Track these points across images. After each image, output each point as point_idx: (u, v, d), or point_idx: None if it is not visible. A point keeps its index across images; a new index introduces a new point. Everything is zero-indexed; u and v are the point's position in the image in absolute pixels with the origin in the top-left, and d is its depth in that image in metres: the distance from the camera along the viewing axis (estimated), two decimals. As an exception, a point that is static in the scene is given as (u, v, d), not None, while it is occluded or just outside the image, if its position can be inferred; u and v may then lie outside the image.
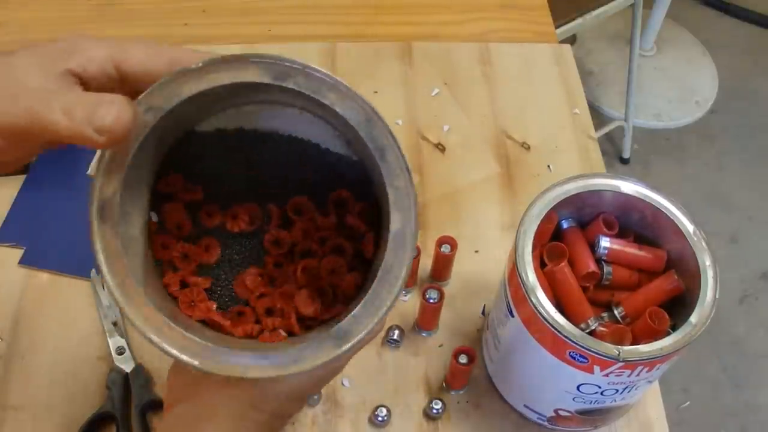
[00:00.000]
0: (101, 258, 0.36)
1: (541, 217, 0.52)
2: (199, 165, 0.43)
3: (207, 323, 0.42)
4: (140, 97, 0.36)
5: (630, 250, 0.54)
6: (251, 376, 0.35)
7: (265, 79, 0.37)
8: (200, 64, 0.36)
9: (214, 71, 0.36)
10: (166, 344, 0.36)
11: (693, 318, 0.48)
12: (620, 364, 0.47)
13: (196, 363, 0.36)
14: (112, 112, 0.33)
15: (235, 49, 0.91)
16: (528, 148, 0.77)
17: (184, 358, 0.36)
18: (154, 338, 0.36)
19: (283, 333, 0.41)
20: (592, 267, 0.53)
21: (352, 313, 0.36)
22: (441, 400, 0.59)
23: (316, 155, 0.44)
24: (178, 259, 0.43)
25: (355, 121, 0.37)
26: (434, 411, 0.59)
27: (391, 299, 0.36)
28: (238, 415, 0.39)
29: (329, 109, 0.37)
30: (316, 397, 0.60)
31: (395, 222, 0.37)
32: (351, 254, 0.43)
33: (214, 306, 0.43)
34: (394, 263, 0.37)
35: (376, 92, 0.81)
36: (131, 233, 0.39)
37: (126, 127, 0.33)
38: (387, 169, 0.37)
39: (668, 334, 0.48)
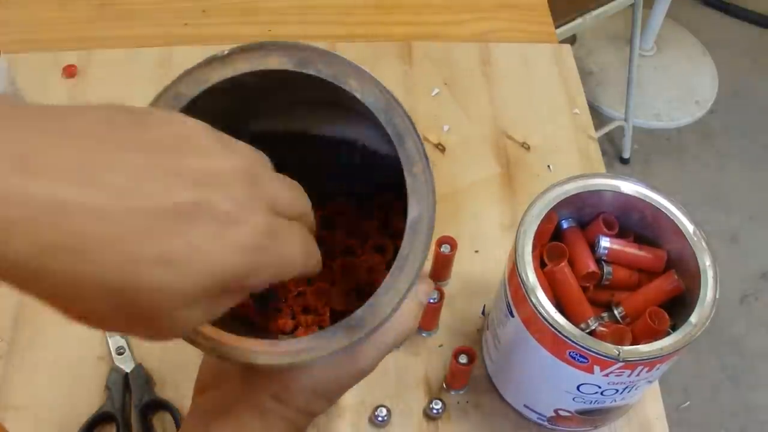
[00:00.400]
0: None
1: (541, 217, 0.52)
2: None
3: (239, 318, 0.42)
4: (168, 84, 0.36)
5: (630, 250, 0.54)
6: (260, 363, 0.35)
7: (288, 66, 0.36)
8: (225, 52, 0.36)
9: (238, 60, 0.36)
10: None
11: (693, 318, 0.48)
12: (620, 364, 0.47)
13: (207, 347, 0.35)
14: None
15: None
16: (528, 148, 0.77)
17: (197, 340, 0.35)
18: None
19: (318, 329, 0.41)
20: (592, 267, 0.53)
21: (367, 302, 0.35)
22: (441, 400, 0.59)
23: (364, 155, 0.44)
24: None
25: (375, 107, 0.37)
26: (434, 411, 0.59)
27: (406, 288, 0.35)
28: (262, 408, 0.39)
29: (358, 101, 0.37)
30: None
31: (413, 210, 0.36)
32: (392, 253, 0.43)
33: (251, 302, 0.42)
34: (410, 252, 0.36)
35: (376, 92, 0.81)
36: None
37: None
38: (405, 155, 0.37)
39: (668, 334, 0.48)
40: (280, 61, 0.36)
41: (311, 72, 0.36)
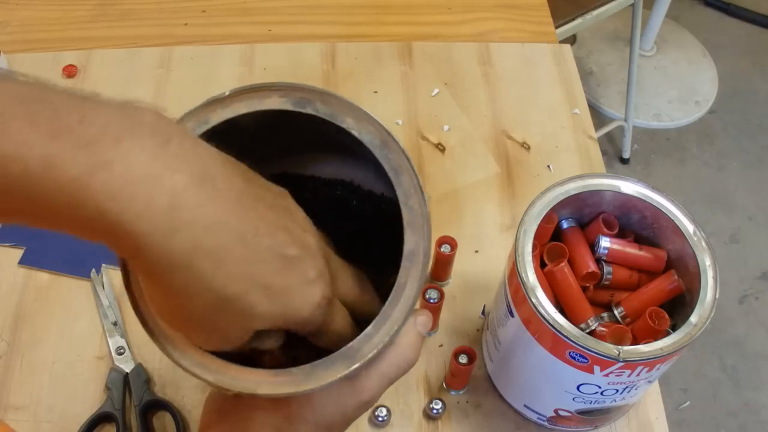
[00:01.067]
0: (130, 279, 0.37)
1: (541, 217, 0.52)
2: None
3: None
4: None
5: (630, 250, 0.54)
6: (262, 393, 0.35)
7: (287, 106, 0.38)
8: (226, 93, 0.37)
9: (238, 100, 0.38)
10: (183, 360, 0.36)
11: (693, 318, 0.48)
12: (620, 364, 0.47)
13: (210, 378, 0.36)
14: None
15: (235, 49, 0.91)
16: (528, 148, 0.77)
17: (199, 373, 0.36)
18: (172, 354, 0.36)
19: None
20: (592, 267, 0.53)
21: (364, 332, 0.36)
22: (441, 400, 0.59)
23: (359, 195, 0.46)
24: None
25: (372, 143, 0.38)
26: (434, 411, 0.59)
27: (402, 317, 0.36)
28: None
29: (354, 140, 0.38)
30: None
31: (409, 241, 0.37)
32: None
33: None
34: (407, 282, 0.37)
35: (376, 92, 0.81)
36: None
37: None
38: (401, 189, 0.38)
39: (668, 334, 0.48)
40: (279, 102, 0.38)
41: (309, 111, 0.38)
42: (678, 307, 0.52)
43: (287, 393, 0.35)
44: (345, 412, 0.40)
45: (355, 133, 0.38)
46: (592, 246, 0.55)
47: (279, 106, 0.38)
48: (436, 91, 0.81)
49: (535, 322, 0.49)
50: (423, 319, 0.41)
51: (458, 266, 0.66)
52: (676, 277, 0.53)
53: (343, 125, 0.38)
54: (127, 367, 0.60)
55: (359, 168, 0.45)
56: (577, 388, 0.51)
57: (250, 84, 0.38)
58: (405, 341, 0.40)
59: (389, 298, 0.37)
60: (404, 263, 0.37)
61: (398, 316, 0.36)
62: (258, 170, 0.45)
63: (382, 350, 0.36)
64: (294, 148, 0.45)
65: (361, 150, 0.39)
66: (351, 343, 0.36)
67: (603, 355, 0.46)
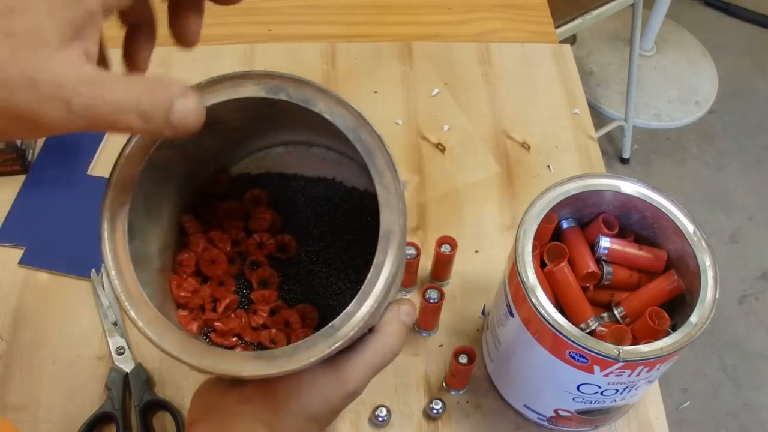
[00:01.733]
0: (110, 263, 0.38)
1: (541, 217, 0.52)
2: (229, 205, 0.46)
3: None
4: None
5: (630, 250, 0.54)
6: (246, 375, 0.36)
7: (260, 93, 0.38)
8: (202, 83, 0.38)
9: (212, 90, 0.38)
10: (166, 344, 0.36)
11: (693, 318, 0.48)
12: (620, 364, 0.47)
13: (192, 362, 0.36)
14: (190, 107, 0.31)
15: (235, 49, 0.91)
16: (528, 148, 0.77)
17: (182, 357, 0.36)
18: (154, 338, 0.37)
19: None
20: (592, 267, 0.53)
21: (345, 311, 0.36)
22: (441, 400, 0.59)
23: (341, 192, 0.46)
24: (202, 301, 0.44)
25: (344, 125, 0.38)
26: (434, 411, 0.59)
27: (383, 294, 0.36)
28: None
29: (333, 130, 0.38)
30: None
31: (385, 221, 0.38)
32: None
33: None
34: (385, 259, 0.37)
35: (376, 92, 0.81)
36: (147, 250, 0.41)
37: (201, 121, 0.32)
38: (375, 169, 0.38)
39: (668, 334, 0.48)
40: (253, 89, 0.38)
41: (282, 97, 0.38)
42: (678, 307, 0.52)
43: (270, 374, 0.36)
44: (331, 403, 0.40)
45: (327, 116, 0.38)
46: (592, 246, 0.55)
47: (253, 94, 0.38)
48: (436, 91, 0.81)
49: (535, 322, 0.49)
50: (407, 308, 0.41)
51: (458, 266, 0.66)
52: (676, 277, 0.53)
53: (315, 109, 0.38)
54: (127, 367, 0.60)
55: (341, 166, 0.46)
56: (577, 388, 0.51)
57: (221, 74, 0.38)
58: (389, 330, 0.40)
59: (368, 277, 0.37)
60: (381, 242, 0.37)
61: (378, 294, 0.36)
62: (242, 168, 0.46)
63: (363, 328, 0.36)
64: (276, 146, 0.46)
65: (340, 145, 0.39)
66: (332, 323, 0.36)
67: (603, 355, 0.46)
